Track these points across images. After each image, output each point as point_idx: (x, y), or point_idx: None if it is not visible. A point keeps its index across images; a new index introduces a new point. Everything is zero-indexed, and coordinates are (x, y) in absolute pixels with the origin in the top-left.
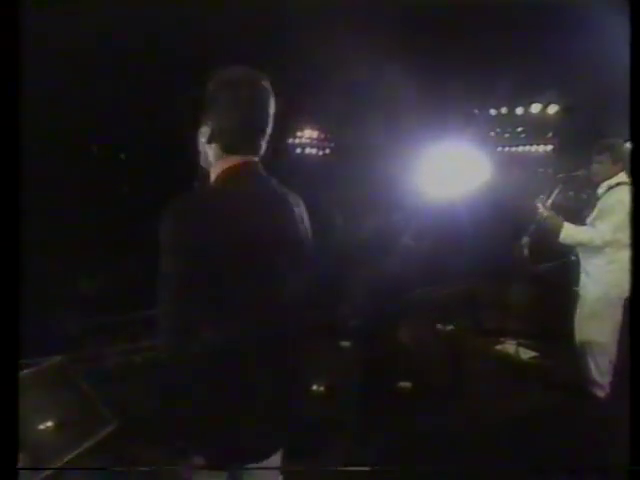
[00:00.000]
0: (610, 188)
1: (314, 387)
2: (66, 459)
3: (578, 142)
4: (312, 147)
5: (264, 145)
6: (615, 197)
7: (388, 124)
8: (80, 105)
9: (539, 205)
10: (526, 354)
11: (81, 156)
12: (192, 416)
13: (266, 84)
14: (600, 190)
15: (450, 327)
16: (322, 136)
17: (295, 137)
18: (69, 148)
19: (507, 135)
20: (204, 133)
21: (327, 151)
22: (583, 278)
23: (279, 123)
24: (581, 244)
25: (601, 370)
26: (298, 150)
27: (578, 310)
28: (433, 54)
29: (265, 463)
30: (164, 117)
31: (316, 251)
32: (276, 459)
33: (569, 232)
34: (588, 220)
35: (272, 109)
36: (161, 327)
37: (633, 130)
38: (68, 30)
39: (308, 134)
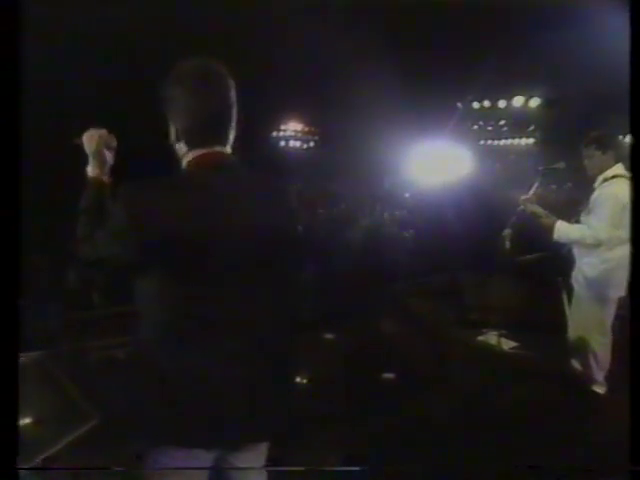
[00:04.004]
0: (605, 181)
1: (297, 379)
2: (47, 454)
3: (560, 135)
4: (297, 140)
5: (231, 134)
6: (607, 191)
7: (371, 118)
8: (64, 95)
9: (521, 201)
10: (507, 344)
11: (64, 147)
12: (167, 405)
13: (220, 70)
14: (596, 183)
15: (433, 318)
16: (307, 129)
17: (280, 130)
18: (51, 139)
19: (490, 128)
20: (171, 133)
21: (311, 144)
22: (580, 278)
23: (266, 116)
24: (573, 242)
25: (601, 367)
26: (282, 143)
27: (575, 309)
28: (417, 47)
29: (247, 455)
30: (151, 109)
31: (300, 239)
32: (261, 454)
33: (561, 230)
34: (583, 214)
35: (232, 94)
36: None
37: (633, 127)
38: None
39: (293, 127)
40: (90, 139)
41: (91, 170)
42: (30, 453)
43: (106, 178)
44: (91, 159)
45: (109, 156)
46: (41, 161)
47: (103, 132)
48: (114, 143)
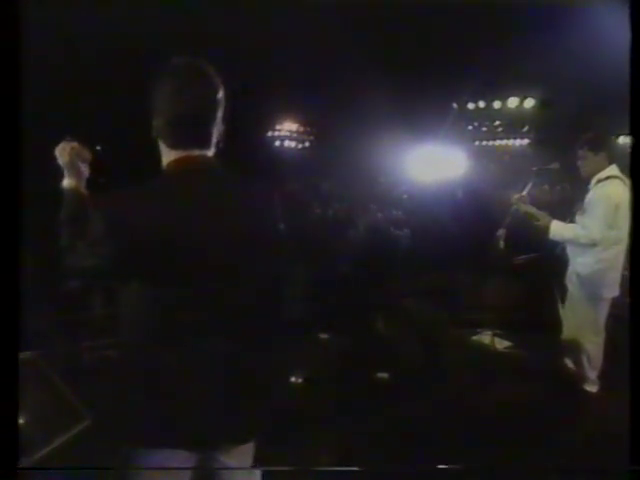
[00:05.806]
0: (599, 182)
1: (292, 379)
2: (39, 455)
3: (554, 135)
4: (292, 140)
5: (214, 136)
6: (601, 191)
7: (368, 118)
8: (53, 95)
9: (515, 200)
10: (501, 344)
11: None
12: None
13: (206, 70)
14: (590, 184)
15: (427, 318)
16: (302, 129)
17: (275, 130)
18: (42, 138)
19: (484, 129)
20: (153, 128)
21: (307, 144)
22: (573, 278)
23: (261, 116)
24: (567, 241)
25: (593, 366)
26: (278, 143)
27: (569, 309)
28: (412, 47)
29: (231, 454)
30: (141, 108)
31: (286, 243)
32: (245, 454)
33: (555, 229)
34: (577, 214)
35: (217, 96)
36: None
37: (633, 127)
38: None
39: (288, 127)
40: (62, 151)
41: (67, 182)
42: (23, 453)
43: (83, 189)
44: (65, 171)
45: (84, 168)
46: (40, 159)
47: (75, 144)
48: (87, 155)
